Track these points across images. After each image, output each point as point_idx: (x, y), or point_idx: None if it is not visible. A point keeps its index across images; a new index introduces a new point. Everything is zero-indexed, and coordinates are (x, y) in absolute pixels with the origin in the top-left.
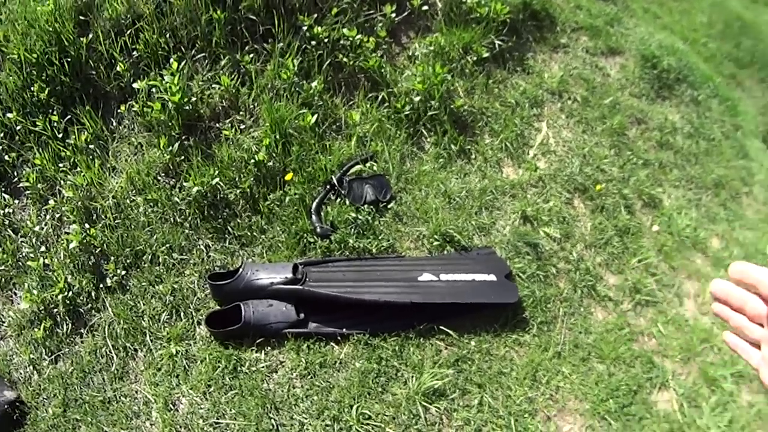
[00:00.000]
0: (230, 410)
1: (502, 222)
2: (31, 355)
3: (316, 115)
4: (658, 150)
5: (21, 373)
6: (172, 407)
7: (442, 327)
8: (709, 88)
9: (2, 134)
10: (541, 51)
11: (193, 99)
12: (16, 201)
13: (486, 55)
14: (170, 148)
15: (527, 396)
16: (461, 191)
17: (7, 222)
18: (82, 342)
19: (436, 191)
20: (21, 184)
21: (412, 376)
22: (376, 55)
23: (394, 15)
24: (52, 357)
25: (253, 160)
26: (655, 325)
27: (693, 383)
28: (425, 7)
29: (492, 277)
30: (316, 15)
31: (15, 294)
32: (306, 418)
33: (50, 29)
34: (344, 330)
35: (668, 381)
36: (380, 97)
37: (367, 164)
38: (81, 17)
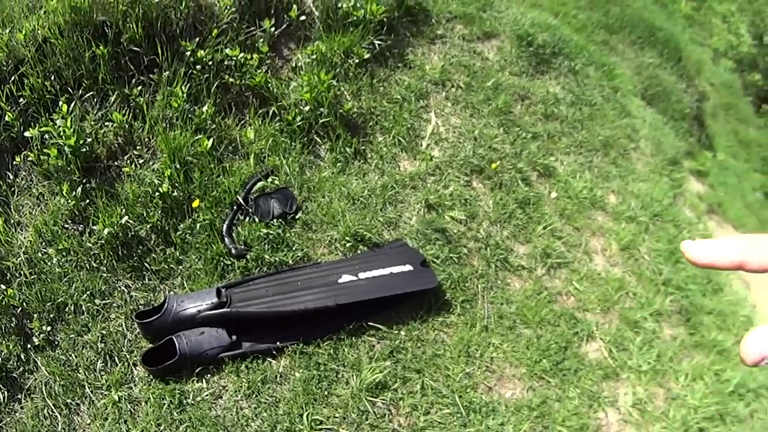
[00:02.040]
0: None
1: (408, 214)
2: None
3: (211, 139)
4: (544, 122)
5: None
6: None
7: (371, 323)
8: (584, 57)
9: None
10: (420, 45)
11: (89, 140)
12: None
13: (367, 56)
14: (73, 193)
15: (465, 372)
16: (363, 191)
17: None
18: (21, 408)
19: (340, 195)
20: None
21: (352, 375)
22: (261, 72)
23: (273, 29)
24: None
25: (157, 193)
26: (571, 284)
27: (617, 329)
28: (303, 17)
29: (408, 267)
30: (197, 38)
31: None
32: None
33: None
34: (278, 343)
35: (593, 332)
36: (271, 112)
37: (269, 179)
38: None
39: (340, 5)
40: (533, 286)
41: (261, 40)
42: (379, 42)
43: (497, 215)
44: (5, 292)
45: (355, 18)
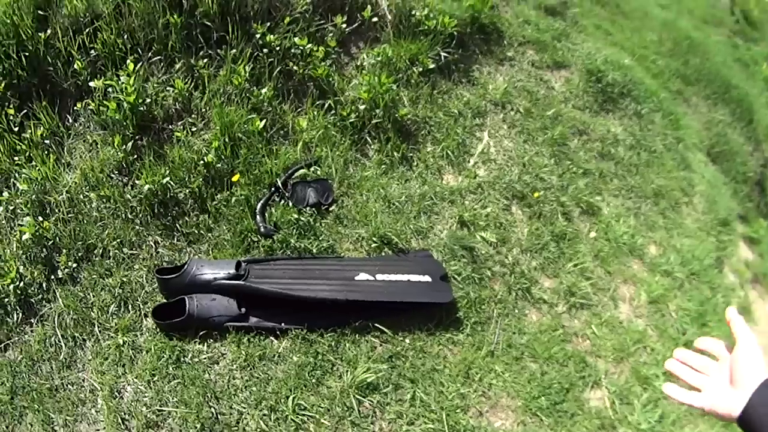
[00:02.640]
0: (173, 398)
1: (440, 226)
2: None
3: (264, 120)
4: (599, 160)
5: None
6: (117, 395)
7: (377, 324)
8: (653, 103)
9: None
10: (487, 63)
11: (148, 100)
12: None
13: (432, 66)
14: (124, 146)
15: (459, 392)
16: (401, 196)
17: None
18: (31, 331)
19: (377, 196)
20: None
21: (347, 371)
22: (325, 64)
23: (344, 26)
24: (1, 346)
25: (202, 162)
26: (590, 327)
27: (625, 382)
28: (375, 19)
29: (427, 278)
30: (269, 23)
31: None
32: (244, 408)
33: (8, 21)
34: (283, 325)
35: (601, 380)
36: (327, 105)
37: (311, 169)
38: (40, 12)
39: (413, 13)
40: (550, 321)
41: (330, 34)
42: (446, 54)
43: (530, 244)
44: (42, 224)
45: (426, 27)
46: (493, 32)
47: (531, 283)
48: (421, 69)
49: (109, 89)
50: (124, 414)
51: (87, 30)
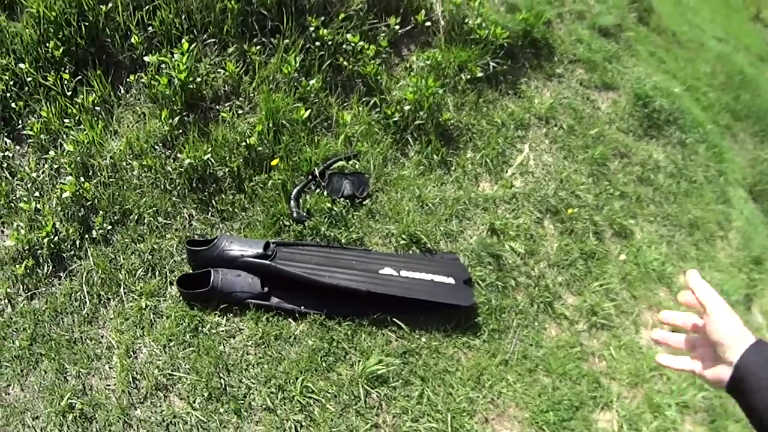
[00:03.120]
0: (185, 365)
1: (470, 231)
2: (8, 290)
3: (309, 111)
4: (637, 184)
5: None
6: (132, 355)
7: (395, 319)
8: (698, 133)
9: (12, 82)
10: (536, 77)
11: (198, 80)
12: (17, 147)
13: (480, 74)
14: (171, 121)
15: (468, 396)
16: (435, 198)
17: (5, 164)
18: (59, 284)
19: (412, 195)
20: (24, 132)
21: (359, 360)
22: (374, 63)
23: (397, 27)
24: (28, 294)
25: (244, 143)
26: (608, 348)
27: (637, 407)
28: (428, 24)
29: (450, 280)
30: (323, 18)
31: (2, 232)
32: (253, 383)
33: None
34: (303, 308)
35: (612, 402)
36: (372, 102)
37: (350, 162)
38: None
39: (467, 20)
40: (569, 338)
41: (383, 34)
42: (495, 64)
43: (558, 259)
44: (83, 185)
45: (477, 36)
46: (545, 47)
47: (554, 298)
48: (468, 76)
49: (162, 65)
50: (136, 374)
51: (147, 7)
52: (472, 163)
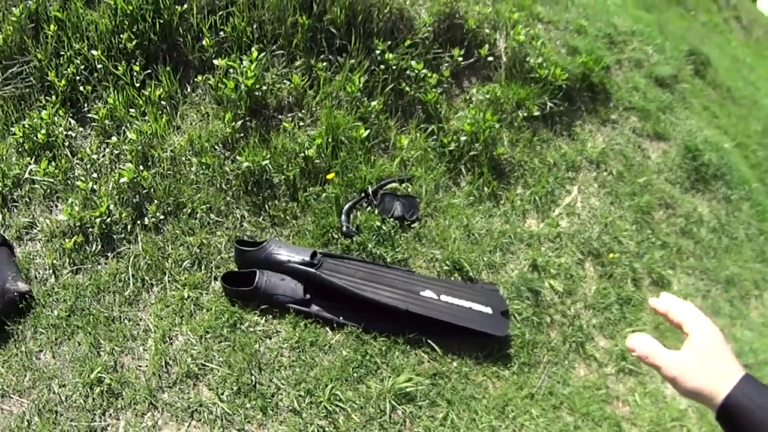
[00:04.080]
0: (218, 358)
1: (512, 265)
2: (55, 261)
3: (368, 131)
4: (679, 236)
5: (39, 273)
6: (168, 341)
7: (429, 341)
8: (744, 190)
9: (83, 67)
10: (590, 121)
11: (264, 88)
12: (81, 128)
13: (537, 113)
14: (233, 124)
15: (491, 424)
16: (482, 229)
17: (67, 143)
18: (105, 264)
19: (459, 224)
20: (89, 116)
21: (390, 376)
22: (435, 91)
23: (461, 59)
24: (74, 268)
25: (302, 154)
26: (633, 394)
27: None
28: (490, 58)
29: (488, 310)
30: (389, 42)
31: (56, 206)
32: (283, 384)
33: None
34: (341, 319)
35: None
36: (430, 129)
37: (403, 185)
38: None
39: (528, 59)
40: (596, 379)
41: (446, 65)
42: (552, 105)
43: (594, 301)
44: (141, 173)
45: (537, 75)
46: (602, 92)
47: (586, 339)
48: (525, 114)
49: (230, 70)
50: (169, 359)
51: (220, 13)
52: (521, 199)
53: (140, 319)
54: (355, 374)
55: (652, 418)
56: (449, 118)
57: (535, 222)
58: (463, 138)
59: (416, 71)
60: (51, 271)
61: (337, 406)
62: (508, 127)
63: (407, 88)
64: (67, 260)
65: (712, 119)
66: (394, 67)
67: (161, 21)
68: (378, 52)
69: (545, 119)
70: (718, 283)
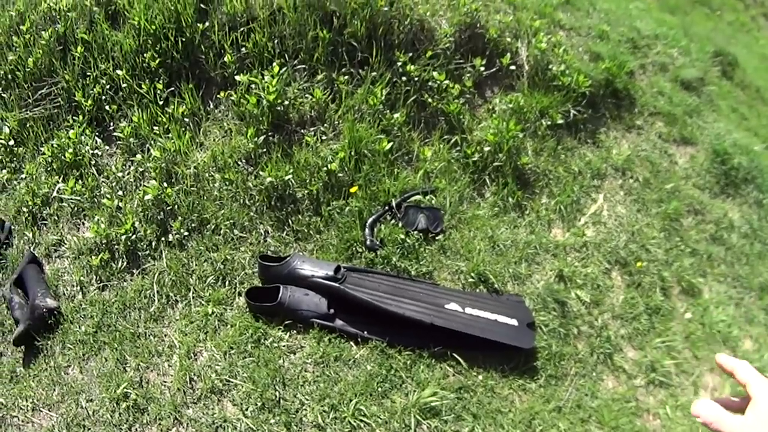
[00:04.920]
0: (243, 373)
1: (538, 276)
2: (82, 278)
3: (392, 143)
4: (709, 243)
5: (67, 290)
6: (193, 356)
7: (455, 354)
8: None
9: (108, 87)
10: (615, 128)
11: (286, 102)
12: (107, 147)
13: (560, 121)
14: (256, 139)
15: None
16: (507, 240)
17: (93, 162)
18: (131, 280)
19: (484, 235)
20: (115, 134)
21: (415, 391)
22: (458, 102)
23: (482, 69)
24: (100, 285)
25: (325, 168)
26: (664, 407)
27: None
28: (513, 67)
29: (514, 322)
30: (411, 54)
31: (83, 224)
32: (307, 400)
33: (172, 8)
34: (366, 333)
35: None
36: (453, 141)
37: (427, 197)
38: (201, 5)
39: (550, 67)
40: (625, 392)
41: (468, 74)
42: (576, 112)
43: (622, 311)
44: (165, 190)
45: (560, 83)
46: (626, 98)
47: (615, 350)
48: (549, 122)
49: (252, 86)
50: (194, 375)
51: (241, 29)
52: (547, 208)
53: (165, 335)
54: (379, 389)
55: (684, 431)
56: (472, 129)
57: (560, 232)
58: (486, 148)
59: (438, 82)
60: (78, 287)
61: (361, 421)
62: (531, 137)
63: (429, 100)
64: (94, 277)
65: (741, 121)
66: (416, 79)
67: (183, 39)
68: (399, 64)
69: (569, 127)
70: (751, 290)
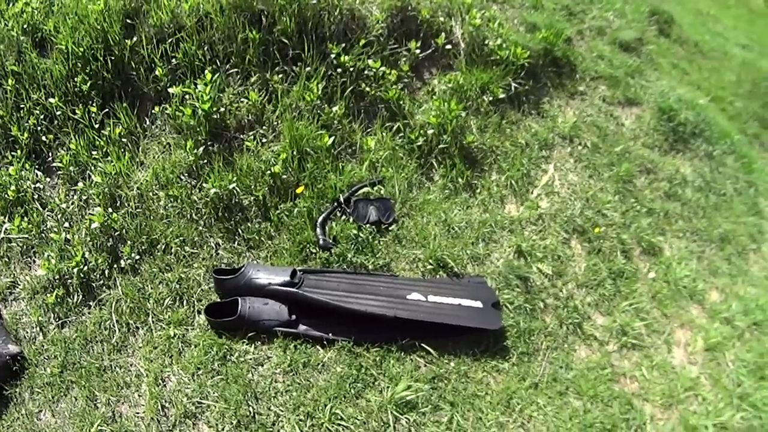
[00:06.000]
0: (213, 393)
1: (497, 254)
2: (40, 318)
3: (333, 138)
4: (664, 200)
5: (27, 332)
6: (161, 383)
7: (423, 345)
8: (726, 144)
9: (43, 116)
10: (558, 96)
11: (222, 109)
12: (48, 179)
13: (502, 96)
14: (196, 151)
15: (498, 420)
16: (461, 222)
17: (36, 196)
18: (89, 313)
19: (438, 219)
20: (54, 164)
21: (388, 387)
22: (396, 88)
23: (418, 51)
24: (59, 322)
25: (269, 172)
26: (639, 369)
27: (672, 429)
28: (449, 47)
29: (478, 304)
30: (344, 44)
31: (34, 262)
32: (282, 411)
33: (98, 27)
34: (331, 335)
35: (646, 424)
36: (396, 127)
37: (375, 187)
38: (128, 20)
39: (486, 42)
40: (599, 359)
41: (404, 59)
42: (517, 85)
43: (586, 279)
44: (111, 215)
45: (498, 57)
46: (566, 66)
47: (583, 319)
48: (491, 98)
49: (187, 96)
50: (165, 402)
51: (170, 40)
52: (498, 185)
53: (131, 365)
54: (352, 390)
55: (663, 391)
56: (414, 113)
57: (514, 207)
58: (430, 131)
59: (374, 70)
60: (38, 328)
61: (339, 425)
62: (474, 114)
63: (367, 89)
64: (52, 315)
65: (683, 76)
66: (351, 69)
67: (113, 58)
68: (333, 56)
69: (511, 101)
70: (711, 242)
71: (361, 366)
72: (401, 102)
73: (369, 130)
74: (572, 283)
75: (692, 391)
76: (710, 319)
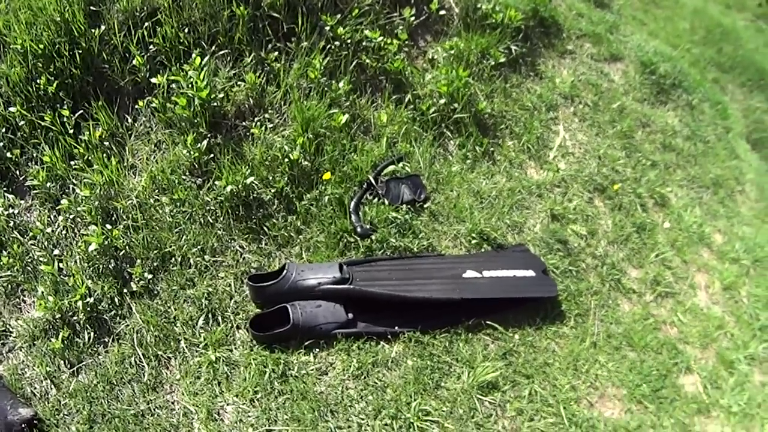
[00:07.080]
0: (282, 416)
1: (533, 221)
2: (48, 368)
3: (346, 115)
4: (662, 152)
5: (36, 388)
6: (217, 417)
7: (488, 322)
8: (700, 93)
9: (3, 129)
10: (551, 57)
11: (219, 96)
12: (21, 201)
13: (503, 60)
14: (198, 145)
15: (571, 384)
16: (491, 191)
17: (12, 224)
18: (106, 352)
19: (467, 191)
20: (27, 183)
21: (465, 371)
22: (399, 58)
23: (413, 18)
24: (73, 369)
25: (287, 159)
26: (675, 315)
27: (713, 367)
28: (442, 12)
29: (531, 273)
30: (338, 15)
31: (24, 302)
32: (363, 419)
33: (58, 19)
34: (396, 328)
35: (691, 365)
36: (405, 99)
37: (400, 164)
38: (92, 8)
39: (479, 5)
40: (641, 311)
41: (400, 27)
42: (515, 48)
43: (615, 236)
44: (110, 233)
45: (493, 21)
46: (552, 25)
47: (621, 274)
48: (492, 63)
49: (174, 85)
50: None
51: (145, 24)
52: (515, 150)
53: (173, 403)
54: (430, 381)
55: (699, 332)
56: (420, 83)
57: (535, 171)
58: (441, 101)
59: (373, 40)
60: (48, 381)
61: (426, 420)
62: (479, 80)
63: (368, 61)
64: (62, 363)
65: (642, 27)
66: (349, 42)
67: (80, 51)
68: (328, 28)
69: (511, 64)
70: (706, 187)
71: (432, 354)
72: (405, 72)
73: (375, 104)
74: (604, 240)
75: (722, 330)
76: (720, 260)
